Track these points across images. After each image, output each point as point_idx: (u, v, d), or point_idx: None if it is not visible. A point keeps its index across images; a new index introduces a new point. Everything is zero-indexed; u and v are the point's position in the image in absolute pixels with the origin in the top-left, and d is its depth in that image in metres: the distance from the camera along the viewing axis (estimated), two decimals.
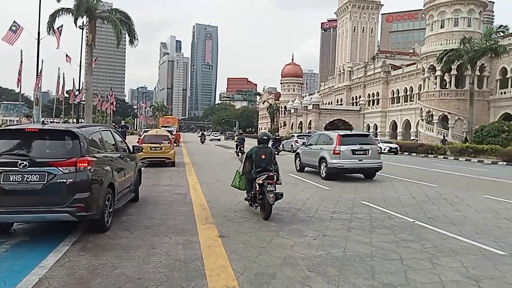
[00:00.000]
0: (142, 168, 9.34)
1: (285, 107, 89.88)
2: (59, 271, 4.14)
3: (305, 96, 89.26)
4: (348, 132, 15.64)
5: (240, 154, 17.90)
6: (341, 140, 12.75)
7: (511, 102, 38.86)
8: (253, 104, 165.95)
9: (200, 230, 5.87)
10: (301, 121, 74.24)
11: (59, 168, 5.09)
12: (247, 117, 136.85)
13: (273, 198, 6.64)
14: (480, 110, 39.17)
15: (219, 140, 59.10)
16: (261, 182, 6.82)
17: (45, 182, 4.99)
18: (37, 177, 5.00)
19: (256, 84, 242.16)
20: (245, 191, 7.58)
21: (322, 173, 13.06)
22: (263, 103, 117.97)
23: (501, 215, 7.56)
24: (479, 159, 26.26)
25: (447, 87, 41.98)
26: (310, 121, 68.46)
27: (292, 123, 79.82)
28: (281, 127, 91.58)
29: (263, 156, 7.12)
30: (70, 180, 5.09)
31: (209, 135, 64.80)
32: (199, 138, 48.63)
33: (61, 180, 5.06)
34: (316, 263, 4.54)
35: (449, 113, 40.89)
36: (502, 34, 35.06)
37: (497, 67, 40.30)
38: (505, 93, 39.90)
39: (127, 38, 25.05)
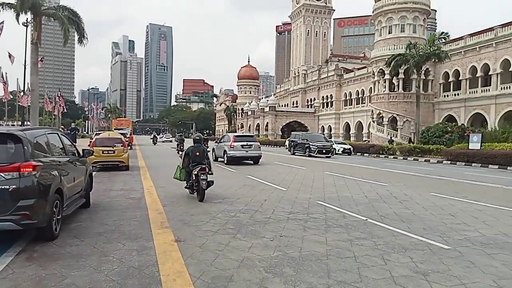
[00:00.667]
0: (94, 173, 8.98)
1: (242, 109, 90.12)
2: (2, 284, 3.86)
3: (262, 98, 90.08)
4: (240, 133, 28.18)
5: (180, 152, 21.20)
6: (235, 138, 19.82)
7: (453, 104, 41.54)
8: (210, 106, 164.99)
9: (156, 235, 5.72)
10: (258, 123, 74.79)
11: (1, 173, 4.76)
12: (204, 119, 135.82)
13: (206, 184, 8.72)
14: (426, 112, 41.53)
15: (171, 141, 59.94)
16: (196, 173, 8.87)
17: None
18: None
19: (213, 86, 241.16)
20: (185, 181, 9.52)
21: (225, 161, 19.64)
22: (220, 105, 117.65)
23: (446, 212, 8.03)
24: (426, 158, 27.78)
25: (395, 90, 44.06)
26: (267, 123, 69.16)
27: (250, 125, 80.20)
28: (238, 129, 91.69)
29: (197, 153, 9.25)
30: (13, 186, 4.77)
31: (161, 137, 67.73)
32: (151, 140, 53.26)
33: (3, 187, 4.74)
34: (273, 264, 4.57)
35: (397, 115, 42.94)
36: (444, 40, 37.38)
37: (440, 72, 42.92)
38: (448, 96, 42.57)
39: (76, 37, 23.99)
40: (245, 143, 19.55)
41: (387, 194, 10.24)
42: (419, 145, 31.47)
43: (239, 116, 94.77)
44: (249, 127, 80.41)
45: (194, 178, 8.98)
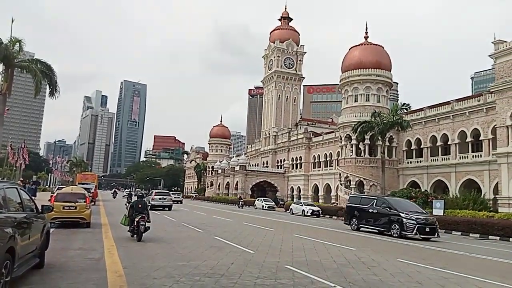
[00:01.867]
0: (53, 229, 8.49)
1: (212, 167, 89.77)
2: None
3: (233, 157, 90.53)
4: (160, 190, 42.51)
5: (127, 204, 22.62)
6: (156, 193, 32.65)
7: (416, 171, 43.20)
8: (180, 162, 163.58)
9: None
10: (228, 182, 74.30)
11: None
12: (173, 175, 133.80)
13: (143, 228, 11.83)
14: (391, 177, 42.85)
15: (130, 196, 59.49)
16: (137, 219, 11.90)
17: None
18: None
19: (184, 143, 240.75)
20: (129, 226, 12.39)
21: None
22: (190, 162, 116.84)
23: (413, 279, 8.00)
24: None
25: (362, 154, 45.57)
26: (237, 181, 68.87)
27: (219, 183, 79.52)
28: (208, 187, 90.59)
29: (139, 205, 12.40)
30: None
31: (122, 192, 74.72)
32: (112, 194, 61.30)
33: None
34: None
35: (364, 179, 44.00)
36: (405, 110, 39.82)
37: (403, 139, 45.10)
38: (411, 162, 44.38)
39: (47, 90, 23.84)
40: (161, 196, 31.33)
41: (355, 259, 10.16)
42: None
43: (209, 174, 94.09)
44: (219, 185, 79.65)
45: (135, 224, 11.96)
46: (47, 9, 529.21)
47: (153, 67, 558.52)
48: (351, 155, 46.42)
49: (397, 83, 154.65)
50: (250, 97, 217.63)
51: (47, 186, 75.60)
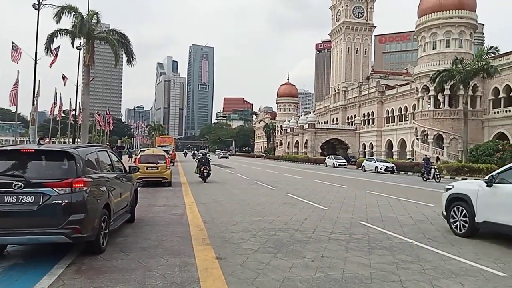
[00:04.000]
0: (138, 188, 9.28)
1: (281, 126, 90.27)
2: None
3: (301, 115, 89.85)
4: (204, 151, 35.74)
5: (197, 160, 23.39)
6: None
7: (505, 121, 39.30)
8: (249, 123, 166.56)
9: (197, 252, 5.78)
10: (297, 140, 74.48)
11: (55, 189, 5.03)
12: (243, 136, 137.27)
13: (206, 174, 18.64)
14: (474, 129, 39.55)
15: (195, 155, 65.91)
16: (202, 169, 18.65)
17: (40, 204, 4.93)
18: (32, 198, 4.95)
19: (252, 104, 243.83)
20: (198, 174, 18.93)
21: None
22: (259, 123, 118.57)
23: (501, 236, 7.51)
24: (475, 178, 26.30)
25: (441, 107, 42.46)
26: (306, 140, 68.72)
27: (289, 142, 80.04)
28: (277, 146, 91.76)
29: (203, 160, 19.00)
30: (66, 201, 5.03)
31: (190, 152, 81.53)
32: (183, 154, 77.89)
33: (56, 201, 5.00)
34: (315, 285, 4.47)
35: (443, 132, 41.22)
36: (492, 55, 35.76)
37: (489, 87, 40.93)
38: (498, 112, 40.40)
39: (124, 58, 25.23)
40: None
41: (434, 216, 9.77)
42: (467, 164, 29.92)
43: (278, 133, 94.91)
44: (288, 144, 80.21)
45: (202, 172, 18.69)
46: None
47: (219, 29, 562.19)
48: (428, 108, 43.54)
49: (483, 25, 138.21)
50: (318, 52, 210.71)
51: (130, 149, 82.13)
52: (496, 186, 6.70)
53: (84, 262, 5.21)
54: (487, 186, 6.82)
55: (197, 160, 22.03)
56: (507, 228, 6.43)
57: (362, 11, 73.73)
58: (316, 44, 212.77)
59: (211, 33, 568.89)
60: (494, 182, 6.74)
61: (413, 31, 47.74)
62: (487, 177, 6.95)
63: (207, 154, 20.87)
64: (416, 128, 45.32)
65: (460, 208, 7.32)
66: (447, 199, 7.76)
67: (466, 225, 7.15)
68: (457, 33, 41.84)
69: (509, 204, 6.41)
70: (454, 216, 7.48)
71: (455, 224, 7.44)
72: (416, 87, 45.98)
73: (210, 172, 18.99)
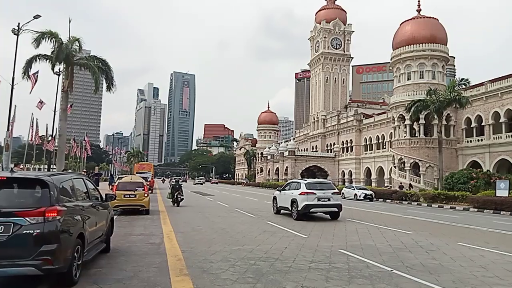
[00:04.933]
0: (115, 216, 9.04)
1: (261, 153, 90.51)
2: None
3: (281, 142, 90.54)
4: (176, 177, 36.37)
5: (170, 186, 24.13)
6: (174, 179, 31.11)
7: (477, 150, 40.60)
8: (230, 150, 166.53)
9: (174, 283, 5.62)
10: (277, 167, 74.65)
11: (26, 218, 4.86)
12: (224, 162, 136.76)
13: (180, 199, 20.40)
14: (449, 157, 40.67)
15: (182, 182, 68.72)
16: (176, 194, 20.39)
17: (10, 234, 4.74)
18: (1, 228, 4.75)
19: (233, 131, 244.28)
20: (171, 199, 20.72)
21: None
22: (240, 149, 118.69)
23: (476, 263, 7.63)
24: (451, 205, 26.82)
25: (416, 135, 43.60)
26: (287, 167, 68.97)
27: (269, 169, 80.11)
28: (258, 173, 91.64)
29: (177, 186, 20.77)
30: (37, 231, 4.84)
31: (169, 179, 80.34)
32: (161, 180, 79.45)
33: (28, 231, 4.81)
34: None
35: (420, 160, 42.17)
36: (464, 86, 37.31)
37: (462, 117, 42.44)
38: (471, 141, 41.76)
39: (104, 85, 25.07)
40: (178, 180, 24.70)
41: (412, 243, 9.85)
42: (443, 191, 30.54)
43: (258, 160, 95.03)
44: (269, 171, 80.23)
45: (175, 197, 20.39)
46: (97, 6, 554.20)
47: (200, 57, 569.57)
48: (404, 136, 44.60)
49: (454, 57, 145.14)
50: (297, 81, 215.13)
51: (107, 177, 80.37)
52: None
53: None
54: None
55: (170, 187, 22.12)
56: None
57: (340, 43, 76.27)
58: (296, 73, 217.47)
59: (193, 61, 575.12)
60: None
61: (389, 62, 49.48)
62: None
63: (180, 181, 22.94)
64: (393, 156, 46.22)
65: None
66: None
67: None
68: (430, 65, 43.60)
69: None
70: None
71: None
72: (393, 116, 47.22)
73: (182, 197, 20.73)
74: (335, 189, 16.00)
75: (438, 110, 35.44)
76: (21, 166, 22.12)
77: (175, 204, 20.24)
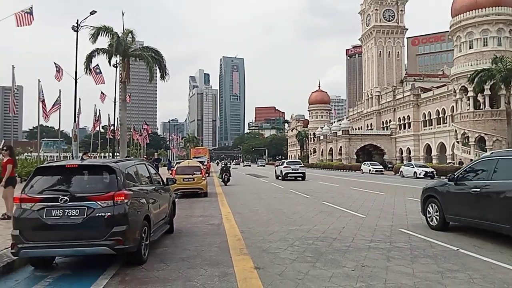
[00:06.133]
0: (176, 199, 9.45)
1: (314, 134, 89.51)
2: None
3: (334, 122, 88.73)
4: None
5: (220, 168, 28.77)
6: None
7: None
8: (281, 132, 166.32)
9: (235, 262, 5.81)
10: (331, 147, 73.52)
11: (98, 202, 5.24)
12: (276, 145, 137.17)
13: (227, 179, 23.76)
14: None
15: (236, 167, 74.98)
16: (223, 175, 23.91)
17: (84, 216, 5.14)
18: (77, 211, 5.17)
19: (284, 112, 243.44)
20: (221, 179, 24.33)
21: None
22: (291, 131, 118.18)
23: None
24: None
25: (481, 107, 40.69)
26: (341, 147, 67.69)
27: (322, 149, 79.15)
28: (311, 154, 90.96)
29: (224, 168, 24.64)
30: (108, 214, 5.21)
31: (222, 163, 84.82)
32: (215, 164, 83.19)
33: (100, 214, 5.19)
34: None
35: (485, 134, 39.39)
36: None
37: None
38: None
39: (158, 74, 25.96)
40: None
41: None
42: None
43: (311, 141, 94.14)
44: (322, 151, 79.30)
45: (223, 177, 23.46)
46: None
47: (248, 40, 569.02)
48: (468, 109, 41.84)
49: None
50: (348, 57, 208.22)
51: (165, 162, 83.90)
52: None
53: (127, 272, 5.36)
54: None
55: (220, 168, 27.27)
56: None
57: (393, 14, 72.30)
58: (346, 49, 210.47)
59: (241, 45, 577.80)
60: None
61: (447, 31, 46.24)
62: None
63: (228, 164, 27.57)
64: (455, 131, 43.59)
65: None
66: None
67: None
68: (495, 31, 40.12)
69: None
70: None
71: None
72: (454, 88, 44.34)
73: (230, 177, 24.20)
74: (301, 164, 31.35)
75: (505, 80, 32.66)
76: (89, 154, 23.69)
77: (224, 183, 23.60)
